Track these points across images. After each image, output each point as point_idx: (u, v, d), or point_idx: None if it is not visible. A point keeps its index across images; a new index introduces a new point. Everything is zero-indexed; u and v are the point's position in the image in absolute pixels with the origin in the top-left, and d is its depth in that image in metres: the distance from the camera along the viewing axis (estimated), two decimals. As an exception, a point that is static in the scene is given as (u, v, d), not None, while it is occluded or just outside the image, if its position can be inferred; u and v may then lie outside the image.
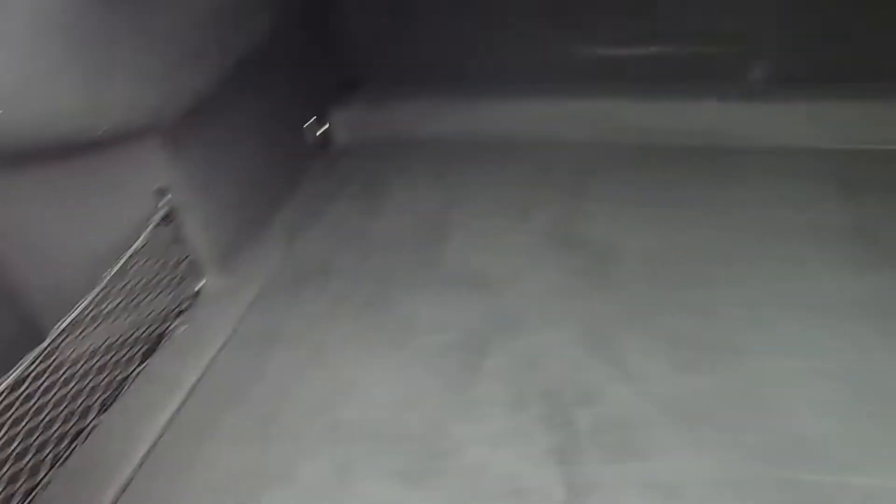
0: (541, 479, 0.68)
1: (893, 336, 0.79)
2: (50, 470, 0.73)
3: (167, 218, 0.91)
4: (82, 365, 0.79)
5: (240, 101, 1.03)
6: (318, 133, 1.32)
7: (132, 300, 0.87)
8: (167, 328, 0.93)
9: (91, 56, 0.67)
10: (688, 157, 1.17)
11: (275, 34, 1.06)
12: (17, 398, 0.69)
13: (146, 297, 0.89)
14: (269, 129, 1.15)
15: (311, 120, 1.30)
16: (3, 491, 0.66)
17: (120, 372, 0.85)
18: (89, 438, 0.78)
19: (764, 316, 0.84)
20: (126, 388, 0.84)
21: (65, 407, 0.76)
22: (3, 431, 0.67)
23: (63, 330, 0.75)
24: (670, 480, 0.66)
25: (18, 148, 0.69)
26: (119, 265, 0.82)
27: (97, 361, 0.81)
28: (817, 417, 0.71)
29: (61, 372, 0.75)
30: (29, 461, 0.70)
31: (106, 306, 0.82)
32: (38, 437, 0.72)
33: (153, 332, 0.91)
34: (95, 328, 0.81)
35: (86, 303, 0.78)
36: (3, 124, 0.59)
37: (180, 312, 0.95)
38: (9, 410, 0.68)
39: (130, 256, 0.85)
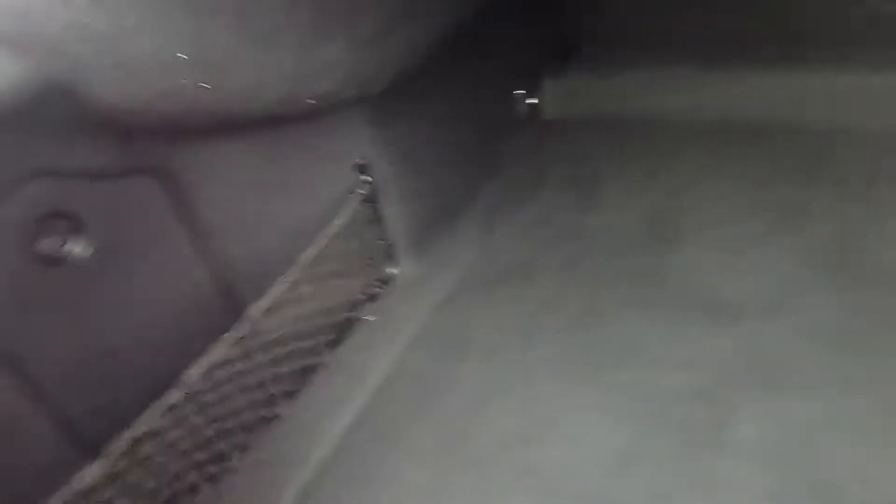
0: None
1: None
2: (235, 457, 0.71)
3: (366, 197, 0.85)
4: (272, 349, 0.75)
5: (445, 70, 0.92)
6: (525, 107, 1.17)
7: (325, 283, 0.81)
8: (356, 315, 0.87)
9: (305, 19, 0.59)
10: None
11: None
12: (211, 381, 0.67)
13: (339, 280, 0.83)
14: (474, 101, 1.03)
15: (519, 92, 1.16)
16: (189, 476, 0.65)
17: (308, 359, 0.80)
18: (275, 428, 0.74)
19: None
20: (313, 377, 0.80)
21: (254, 392, 0.73)
22: (194, 415, 0.65)
23: (262, 313, 0.72)
24: None
25: (225, 119, 0.65)
26: (318, 246, 0.77)
27: (287, 346, 0.77)
28: None
29: (252, 356, 0.72)
30: (216, 447, 0.68)
31: (301, 288, 0.77)
32: (226, 423, 0.69)
33: (342, 318, 0.85)
34: (288, 310, 0.77)
35: (284, 285, 0.74)
36: (212, 96, 0.54)
37: (370, 299, 0.89)
38: (201, 394, 0.65)
39: (329, 236, 0.79)
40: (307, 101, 0.63)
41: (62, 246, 0.64)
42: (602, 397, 0.68)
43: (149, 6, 0.45)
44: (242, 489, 0.69)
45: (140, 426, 0.62)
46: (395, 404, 0.76)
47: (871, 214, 0.82)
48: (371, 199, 0.85)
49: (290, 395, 0.77)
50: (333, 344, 0.83)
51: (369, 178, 0.84)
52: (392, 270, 0.91)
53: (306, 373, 0.80)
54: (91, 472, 0.59)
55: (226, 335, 0.69)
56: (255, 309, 0.72)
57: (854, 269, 0.76)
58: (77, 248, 0.65)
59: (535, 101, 1.19)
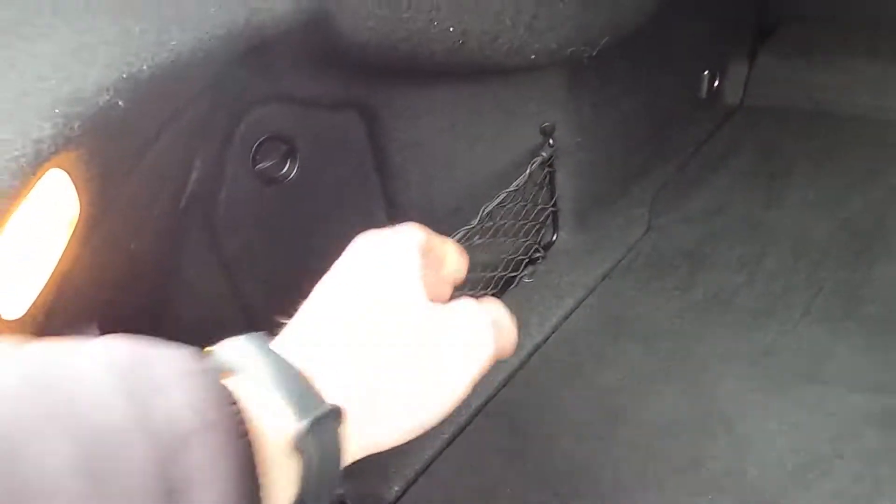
0: None
1: None
2: None
3: (545, 161, 0.84)
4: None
5: (639, 45, 0.88)
6: (710, 89, 1.11)
7: (494, 239, 0.82)
8: (516, 276, 0.87)
9: None
10: None
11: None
12: None
13: (505, 238, 0.84)
14: (661, 80, 0.98)
15: (707, 72, 1.09)
16: None
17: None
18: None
19: None
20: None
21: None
22: None
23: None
24: None
25: (442, 65, 0.66)
26: (496, 202, 0.78)
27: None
28: None
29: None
30: None
31: (472, 240, 0.79)
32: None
33: (503, 277, 0.86)
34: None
35: (459, 235, 0.76)
36: (451, 40, 0.54)
37: (531, 262, 0.89)
38: None
39: (504, 197, 0.80)
40: (531, 56, 0.62)
41: (279, 167, 0.69)
42: (781, 406, 0.65)
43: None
44: (350, 472, 0.72)
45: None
46: (548, 370, 0.76)
47: None
48: (549, 164, 0.85)
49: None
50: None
51: (552, 143, 0.83)
52: (555, 237, 0.91)
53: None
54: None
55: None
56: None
57: None
58: (290, 171, 0.70)
59: (721, 83, 1.12)
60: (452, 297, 0.58)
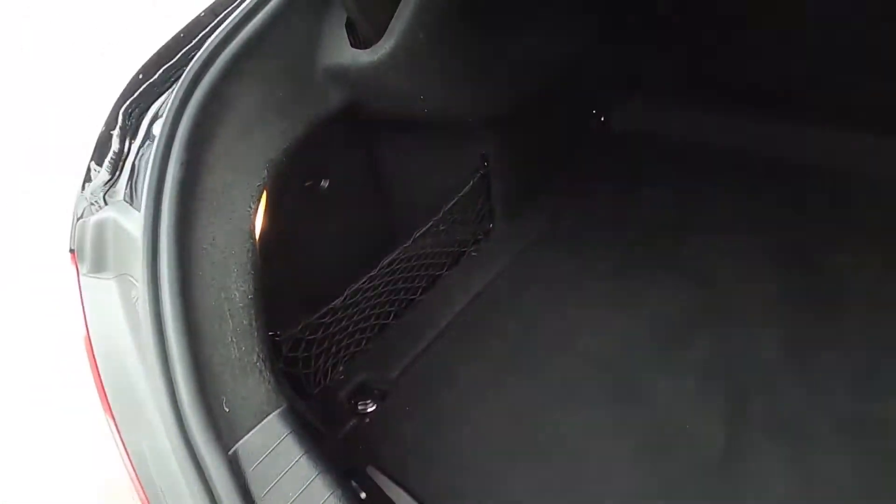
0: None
1: None
2: (371, 338, 1.18)
3: (483, 175, 1.30)
4: (412, 262, 1.22)
5: (545, 96, 1.33)
6: (600, 121, 1.59)
7: (449, 226, 1.28)
8: (465, 251, 1.33)
9: (476, 74, 1.04)
10: None
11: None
12: (372, 282, 1.14)
13: (458, 226, 1.30)
14: (559, 116, 1.45)
15: (595, 111, 1.58)
16: (339, 352, 1.12)
17: (432, 273, 1.28)
18: (402, 317, 1.22)
19: None
20: (432, 287, 1.27)
21: (394, 291, 1.20)
22: (354, 308, 1.12)
23: (414, 239, 1.19)
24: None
25: (419, 121, 1.10)
26: (452, 202, 1.23)
27: (421, 262, 1.24)
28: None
29: (398, 266, 1.19)
30: (358, 332, 1.16)
31: (436, 228, 1.24)
32: (372, 312, 1.17)
33: (456, 250, 1.32)
34: (427, 241, 1.23)
35: (428, 225, 1.21)
36: (426, 111, 0.99)
37: (476, 242, 1.35)
38: (363, 292, 1.13)
39: (458, 199, 1.25)
40: (468, 118, 1.08)
41: (319, 183, 1.12)
42: (623, 319, 1.13)
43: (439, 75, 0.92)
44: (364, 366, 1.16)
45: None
46: (484, 307, 1.22)
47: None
48: (486, 178, 1.30)
49: (414, 298, 1.25)
50: (449, 266, 1.30)
51: (487, 164, 1.29)
52: (491, 225, 1.37)
53: (431, 283, 1.27)
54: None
55: (390, 253, 1.16)
56: (412, 238, 1.18)
57: None
58: (324, 185, 1.13)
59: (607, 118, 1.60)
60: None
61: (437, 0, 0.84)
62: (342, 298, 1.08)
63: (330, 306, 1.05)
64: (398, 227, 1.24)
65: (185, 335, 0.63)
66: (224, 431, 0.62)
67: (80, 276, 0.74)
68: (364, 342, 1.15)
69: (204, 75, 0.75)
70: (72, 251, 0.75)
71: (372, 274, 1.11)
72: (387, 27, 0.87)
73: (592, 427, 0.97)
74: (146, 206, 0.67)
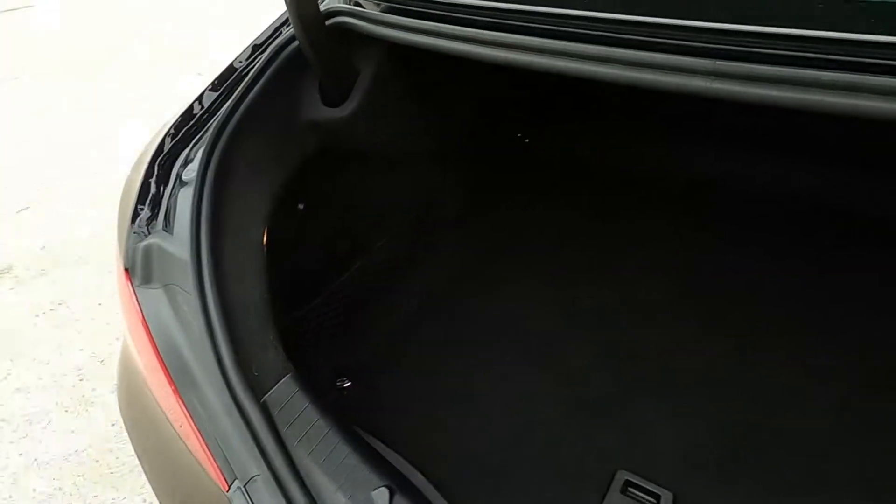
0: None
1: None
2: (344, 328, 1.48)
3: (429, 195, 1.61)
4: (377, 266, 1.52)
5: (477, 135, 1.66)
6: (524, 144, 1.93)
7: (405, 235, 1.58)
8: (418, 255, 1.64)
9: (418, 120, 1.35)
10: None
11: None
12: (343, 286, 1.43)
13: (411, 235, 1.60)
14: (490, 144, 1.79)
15: (520, 134, 1.92)
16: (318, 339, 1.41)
17: (392, 275, 1.58)
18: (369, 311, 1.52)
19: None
20: (392, 286, 1.57)
21: (362, 291, 1.50)
22: (329, 306, 1.42)
23: (366, 264, 1.48)
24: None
25: (369, 156, 1.40)
26: (399, 223, 1.54)
27: (383, 266, 1.54)
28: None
29: (367, 269, 1.48)
30: (333, 325, 1.45)
31: (381, 245, 1.54)
32: (343, 310, 1.46)
33: (410, 255, 1.63)
34: (385, 249, 1.53)
35: (379, 243, 1.51)
36: (380, 150, 1.29)
37: (427, 248, 1.66)
38: (336, 293, 1.42)
39: (411, 214, 1.56)
40: (415, 153, 1.39)
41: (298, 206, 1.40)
42: (551, 306, 1.45)
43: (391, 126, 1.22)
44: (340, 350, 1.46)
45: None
46: (434, 307, 1.53)
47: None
48: (431, 197, 1.61)
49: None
50: (405, 269, 1.61)
51: (431, 187, 1.60)
52: (438, 235, 1.68)
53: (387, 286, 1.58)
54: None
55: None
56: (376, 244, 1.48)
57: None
58: (301, 207, 1.41)
59: (531, 142, 1.94)
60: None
61: (385, 77, 1.14)
62: (321, 297, 1.36)
63: (310, 305, 1.34)
64: (361, 239, 1.54)
65: (224, 323, 0.91)
66: (255, 389, 0.90)
67: (135, 288, 1.00)
68: (339, 331, 1.44)
69: (222, 135, 1.02)
70: (126, 270, 1.01)
71: (342, 279, 1.40)
72: (350, 93, 1.17)
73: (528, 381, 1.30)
74: (190, 232, 0.94)
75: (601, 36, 0.78)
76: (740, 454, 1.13)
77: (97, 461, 1.99)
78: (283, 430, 0.89)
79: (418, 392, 1.31)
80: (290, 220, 1.35)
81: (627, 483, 1.11)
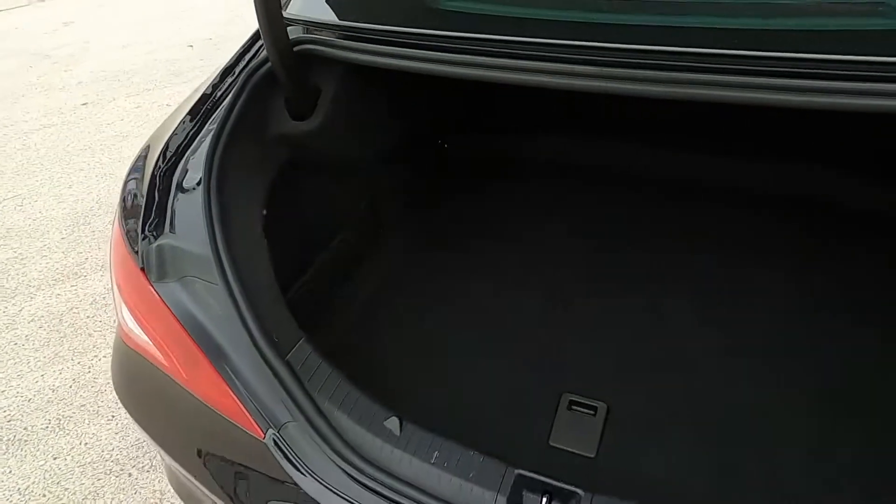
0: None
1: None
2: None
3: (368, 206, 1.83)
4: (325, 271, 1.72)
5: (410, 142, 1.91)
6: (443, 148, 2.21)
7: (353, 233, 1.79)
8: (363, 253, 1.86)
9: (369, 132, 1.59)
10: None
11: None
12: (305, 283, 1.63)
13: (358, 232, 1.82)
14: (420, 150, 2.05)
15: (440, 141, 2.20)
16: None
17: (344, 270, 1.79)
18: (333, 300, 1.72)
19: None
20: (346, 281, 1.78)
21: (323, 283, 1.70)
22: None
23: (328, 256, 1.68)
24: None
25: (326, 163, 1.61)
26: (353, 221, 1.75)
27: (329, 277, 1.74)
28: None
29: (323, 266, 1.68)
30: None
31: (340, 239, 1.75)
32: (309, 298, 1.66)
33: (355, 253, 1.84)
34: (342, 249, 1.74)
35: (339, 237, 1.71)
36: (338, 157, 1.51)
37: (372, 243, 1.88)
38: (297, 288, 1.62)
39: (356, 218, 1.77)
40: (360, 160, 1.62)
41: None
42: (484, 281, 1.73)
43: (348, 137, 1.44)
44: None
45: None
46: (384, 292, 1.76)
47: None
48: (374, 197, 1.84)
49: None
50: (355, 266, 1.82)
51: (370, 198, 1.83)
52: (380, 231, 1.91)
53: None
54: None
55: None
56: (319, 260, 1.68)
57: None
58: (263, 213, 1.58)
59: (447, 145, 2.22)
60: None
61: (344, 93, 1.37)
62: (289, 293, 1.54)
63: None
64: (319, 237, 1.73)
65: (247, 302, 1.09)
66: (280, 350, 1.09)
67: (152, 284, 1.14)
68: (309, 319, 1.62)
69: (217, 148, 1.20)
70: (142, 269, 1.16)
71: (310, 272, 1.59)
72: (314, 108, 1.38)
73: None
74: (207, 230, 1.11)
75: (513, 52, 1.07)
76: (659, 371, 1.46)
77: None
78: (306, 382, 1.09)
79: (389, 354, 1.54)
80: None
81: (571, 402, 1.40)
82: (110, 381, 2.33)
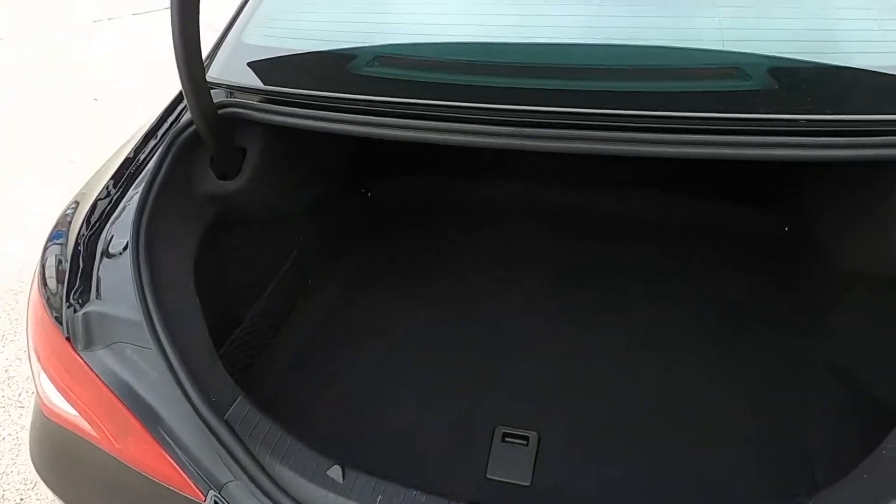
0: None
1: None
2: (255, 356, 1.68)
3: (296, 255, 1.87)
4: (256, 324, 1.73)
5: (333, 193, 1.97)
6: (366, 196, 2.28)
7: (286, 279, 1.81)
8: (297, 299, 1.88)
9: (292, 188, 1.64)
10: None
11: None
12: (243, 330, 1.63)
13: (292, 279, 1.84)
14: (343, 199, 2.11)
15: (363, 189, 2.27)
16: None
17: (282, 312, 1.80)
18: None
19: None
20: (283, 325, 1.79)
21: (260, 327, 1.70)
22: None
23: (259, 309, 1.69)
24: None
25: (253, 219, 1.64)
26: (282, 271, 1.78)
27: (270, 320, 1.75)
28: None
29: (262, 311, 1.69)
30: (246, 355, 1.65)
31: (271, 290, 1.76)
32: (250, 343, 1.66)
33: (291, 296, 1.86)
34: (272, 301, 1.75)
35: (270, 289, 1.73)
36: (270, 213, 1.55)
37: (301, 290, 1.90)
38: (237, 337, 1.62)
39: (284, 270, 1.80)
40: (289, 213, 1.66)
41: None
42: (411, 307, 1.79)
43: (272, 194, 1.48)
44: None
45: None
46: (319, 331, 1.78)
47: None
48: (302, 247, 1.88)
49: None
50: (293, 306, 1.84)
51: (302, 238, 1.86)
52: (310, 281, 1.94)
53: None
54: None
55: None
56: (255, 309, 1.69)
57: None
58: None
59: (370, 194, 2.30)
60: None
61: (268, 152, 1.42)
62: (224, 347, 1.54)
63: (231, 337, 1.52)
64: (249, 289, 1.74)
65: (182, 363, 1.09)
66: (218, 409, 1.10)
67: (79, 353, 1.12)
68: (243, 370, 1.62)
69: (144, 211, 1.21)
70: (67, 339, 1.13)
71: (242, 326, 1.60)
72: (240, 168, 1.42)
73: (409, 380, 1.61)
74: (136, 294, 1.11)
75: (423, 113, 1.18)
76: (584, 395, 1.56)
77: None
78: (246, 439, 1.10)
79: (326, 397, 1.57)
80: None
81: (504, 434, 1.47)
82: (13, 462, 2.17)
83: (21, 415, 2.34)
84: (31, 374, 2.55)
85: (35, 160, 4.15)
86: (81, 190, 1.38)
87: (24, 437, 2.26)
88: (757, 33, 1.16)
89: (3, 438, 2.27)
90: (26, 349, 2.63)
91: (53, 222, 1.36)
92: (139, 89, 4.87)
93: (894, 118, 1.06)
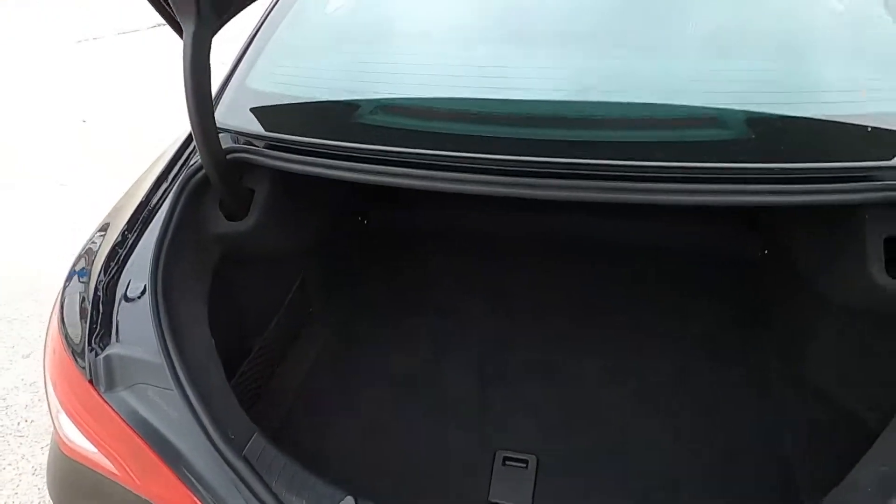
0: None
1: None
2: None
3: (299, 288, 1.92)
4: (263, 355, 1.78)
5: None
6: (363, 224, 2.35)
7: (289, 312, 1.87)
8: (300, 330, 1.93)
9: (297, 226, 1.71)
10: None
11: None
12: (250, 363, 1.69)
13: (295, 312, 1.90)
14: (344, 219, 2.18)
15: (360, 217, 2.33)
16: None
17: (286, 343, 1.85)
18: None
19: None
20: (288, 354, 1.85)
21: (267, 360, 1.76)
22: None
23: (265, 340, 1.75)
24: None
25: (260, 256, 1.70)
26: (287, 301, 1.83)
27: (276, 351, 1.81)
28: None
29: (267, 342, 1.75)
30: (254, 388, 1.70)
31: (276, 321, 1.82)
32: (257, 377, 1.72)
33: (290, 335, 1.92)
34: (277, 332, 1.80)
35: (275, 321, 1.79)
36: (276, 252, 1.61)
37: (304, 322, 1.96)
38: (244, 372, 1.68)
39: (288, 301, 1.86)
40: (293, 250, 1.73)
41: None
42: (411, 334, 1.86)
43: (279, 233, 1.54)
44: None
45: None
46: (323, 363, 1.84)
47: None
48: (304, 280, 1.94)
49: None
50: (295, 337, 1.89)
51: (305, 272, 1.92)
52: (311, 310, 1.99)
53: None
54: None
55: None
56: (262, 341, 1.74)
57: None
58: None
59: (367, 221, 2.36)
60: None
61: (274, 195, 1.49)
62: (236, 377, 1.59)
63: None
64: (255, 323, 1.79)
65: (202, 404, 1.15)
66: (236, 446, 1.16)
67: (102, 394, 1.17)
68: (253, 400, 1.67)
69: (161, 255, 1.27)
70: (90, 381, 1.18)
71: (250, 358, 1.65)
72: (248, 209, 1.48)
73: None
74: (157, 338, 1.17)
75: (423, 162, 1.26)
76: (583, 420, 1.64)
77: None
78: (264, 475, 1.15)
79: (333, 427, 1.62)
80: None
81: (505, 458, 1.54)
82: (14, 493, 2.19)
83: (21, 444, 2.36)
84: (28, 404, 2.57)
85: (20, 185, 4.16)
86: (102, 233, 1.44)
87: (25, 466, 2.28)
88: (739, 85, 1.26)
89: (3, 469, 2.28)
90: (23, 378, 2.65)
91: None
92: (127, 111, 4.89)
93: (861, 165, 1.16)
